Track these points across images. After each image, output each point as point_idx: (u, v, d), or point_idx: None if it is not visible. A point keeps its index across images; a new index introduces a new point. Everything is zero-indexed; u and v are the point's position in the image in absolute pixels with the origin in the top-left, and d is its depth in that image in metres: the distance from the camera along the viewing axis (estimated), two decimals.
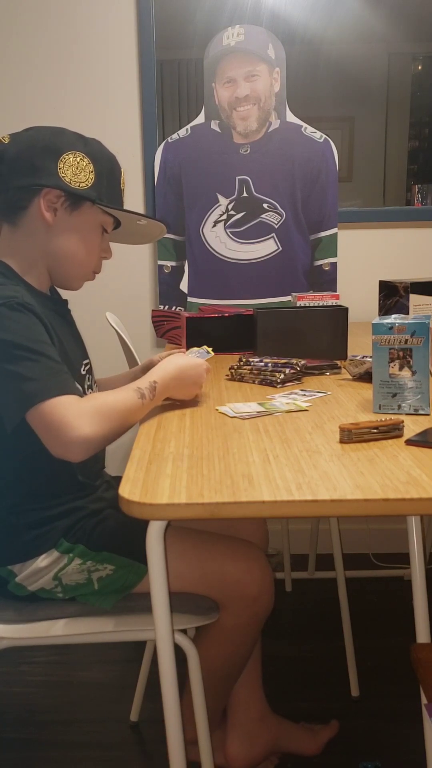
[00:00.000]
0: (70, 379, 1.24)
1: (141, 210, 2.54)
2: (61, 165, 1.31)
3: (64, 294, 1.52)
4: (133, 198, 2.51)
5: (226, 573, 1.33)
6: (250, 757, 1.59)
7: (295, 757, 1.69)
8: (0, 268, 1.34)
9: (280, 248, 2.50)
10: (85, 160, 1.33)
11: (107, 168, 1.37)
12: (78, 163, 1.32)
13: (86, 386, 1.43)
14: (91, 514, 1.38)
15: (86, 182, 1.33)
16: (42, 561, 1.32)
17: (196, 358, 1.44)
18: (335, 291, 2.50)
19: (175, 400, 1.43)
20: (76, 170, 1.32)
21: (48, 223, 1.33)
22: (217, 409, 1.38)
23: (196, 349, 1.54)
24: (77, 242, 1.37)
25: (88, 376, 1.45)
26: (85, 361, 1.46)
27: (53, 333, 1.30)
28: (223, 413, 1.35)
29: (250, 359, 1.69)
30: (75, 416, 1.15)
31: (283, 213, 2.49)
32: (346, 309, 1.87)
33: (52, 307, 1.39)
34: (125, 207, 1.43)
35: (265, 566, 1.36)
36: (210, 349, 1.54)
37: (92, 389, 1.46)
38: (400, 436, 1.18)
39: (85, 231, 1.37)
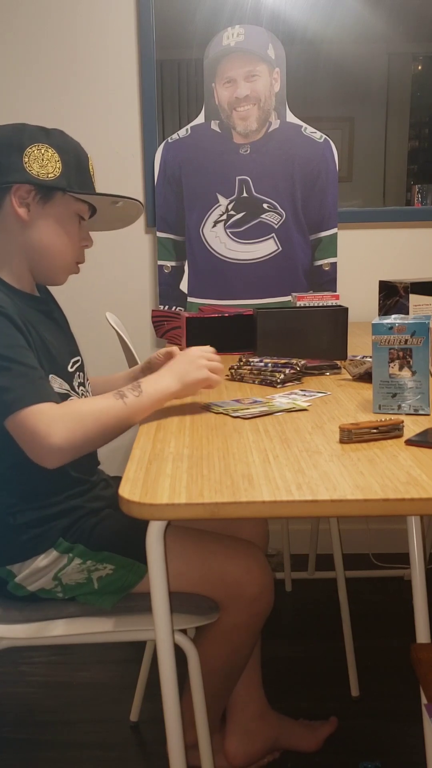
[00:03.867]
0: (46, 384, 1.24)
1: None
2: (27, 159, 1.31)
3: (57, 292, 1.51)
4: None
5: (226, 573, 1.33)
6: (250, 753, 1.60)
7: (295, 756, 1.69)
8: None
9: (280, 248, 2.50)
10: (50, 150, 1.33)
11: (73, 156, 1.36)
12: (43, 154, 1.32)
13: (76, 384, 1.42)
14: (89, 514, 1.38)
15: (54, 172, 1.33)
16: (41, 561, 1.32)
17: (192, 348, 1.40)
18: (335, 291, 2.49)
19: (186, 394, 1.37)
20: (43, 162, 1.32)
21: (23, 220, 1.33)
22: (212, 408, 1.38)
23: None
24: (55, 234, 1.36)
25: (78, 373, 1.44)
26: (74, 359, 1.45)
27: (32, 333, 1.29)
28: (223, 413, 1.35)
29: (250, 359, 1.69)
30: (48, 424, 1.17)
31: (283, 213, 2.49)
32: (346, 309, 1.87)
33: (33, 306, 1.38)
34: (97, 192, 1.42)
35: (265, 566, 1.36)
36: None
37: (84, 386, 1.46)
38: (400, 436, 1.18)
39: (61, 221, 1.36)
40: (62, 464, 1.20)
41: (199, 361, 1.34)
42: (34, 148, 1.31)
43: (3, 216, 1.33)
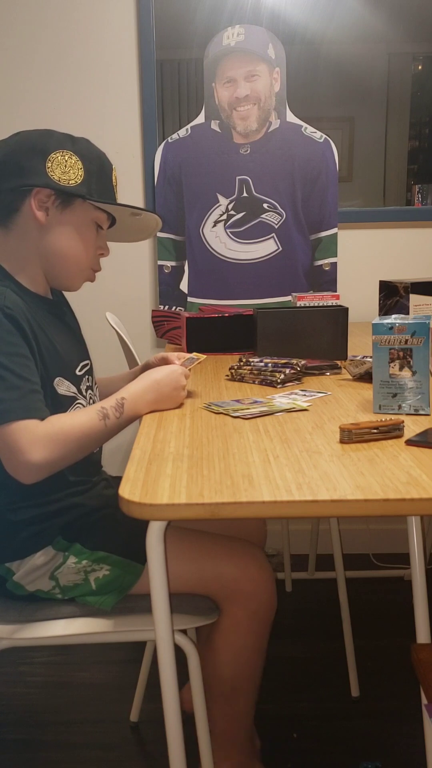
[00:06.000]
0: (37, 398, 1.24)
1: None
2: (50, 164, 1.32)
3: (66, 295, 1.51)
4: (134, 198, 2.51)
5: (222, 571, 1.33)
6: None
7: (295, 756, 1.68)
8: None
9: (280, 248, 2.50)
10: (74, 157, 1.33)
11: (96, 165, 1.37)
12: (66, 161, 1.33)
13: (84, 387, 1.42)
14: (88, 513, 1.38)
15: (76, 179, 1.33)
16: (38, 558, 1.32)
17: (169, 366, 1.42)
18: (335, 291, 2.49)
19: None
20: (65, 168, 1.32)
21: (40, 223, 1.33)
22: (210, 408, 1.38)
23: (185, 355, 1.53)
24: (71, 240, 1.37)
25: (87, 377, 1.45)
26: (83, 362, 1.45)
27: (40, 336, 1.29)
28: (223, 413, 1.35)
29: (250, 359, 1.69)
30: (28, 442, 1.18)
31: (283, 213, 2.49)
32: (346, 309, 1.87)
33: (46, 308, 1.38)
34: (118, 202, 1.42)
35: (262, 563, 1.35)
36: (197, 354, 1.52)
37: (92, 389, 1.46)
38: (400, 436, 1.18)
39: (78, 228, 1.37)
40: (37, 481, 1.21)
41: (181, 392, 1.40)
42: (58, 154, 1.32)
43: (22, 218, 1.34)
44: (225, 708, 1.40)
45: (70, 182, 1.33)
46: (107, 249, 1.44)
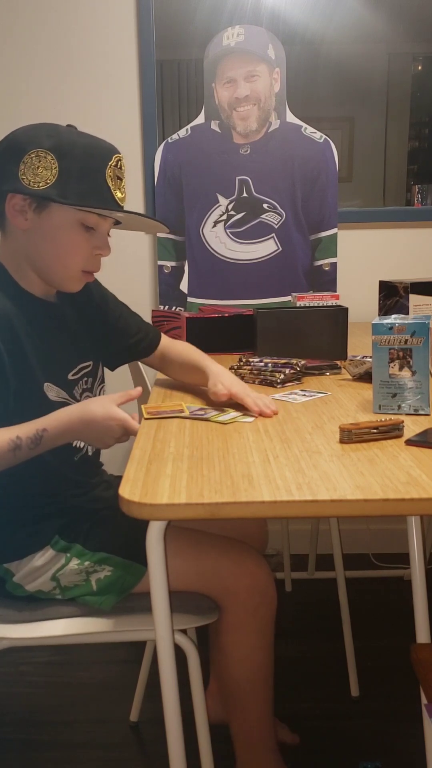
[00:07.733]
0: None
1: (141, 210, 2.53)
2: (23, 167, 1.26)
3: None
4: (134, 198, 2.51)
5: (221, 567, 1.33)
6: (221, 717, 1.59)
7: (295, 756, 1.68)
8: None
9: (280, 248, 2.50)
10: (49, 156, 1.26)
11: (79, 161, 1.27)
12: (40, 161, 1.26)
13: (80, 391, 1.40)
14: (87, 514, 1.37)
15: (45, 181, 1.26)
16: (38, 560, 1.32)
17: (112, 412, 1.22)
18: (335, 291, 2.49)
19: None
20: (36, 170, 1.26)
21: (21, 228, 1.30)
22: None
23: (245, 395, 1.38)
24: (53, 244, 1.30)
25: (85, 379, 1.42)
26: (82, 365, 1.42)
27: (27, 342, 1.28)
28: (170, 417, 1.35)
29: (250, 359, 1.69)
30: None
31: (283, 213, 2.49)
32: (346, 309, 1.87)
33: (42, 311, 1.36)
34: (122, 195, 1.35)
35: (259, 560, 1.35)
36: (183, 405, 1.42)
37: (91, 392, 1.44)
38: (400, 436, 1.18)
39: (60, 231, 1.30)
40: None
41: (109, 441, 1.25)
42: (33, 154, 1.26)
43: (9, 223, 1.31)
44: (248, 709, 1.40)
45: (39, 185, 1.25)
46: (106, 248, 1.36)
